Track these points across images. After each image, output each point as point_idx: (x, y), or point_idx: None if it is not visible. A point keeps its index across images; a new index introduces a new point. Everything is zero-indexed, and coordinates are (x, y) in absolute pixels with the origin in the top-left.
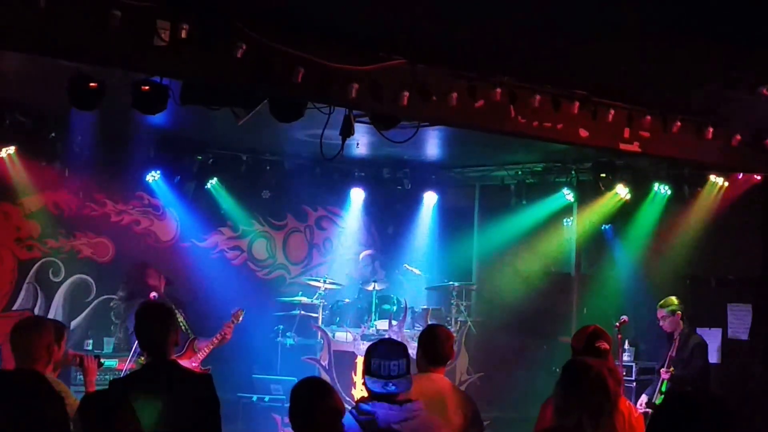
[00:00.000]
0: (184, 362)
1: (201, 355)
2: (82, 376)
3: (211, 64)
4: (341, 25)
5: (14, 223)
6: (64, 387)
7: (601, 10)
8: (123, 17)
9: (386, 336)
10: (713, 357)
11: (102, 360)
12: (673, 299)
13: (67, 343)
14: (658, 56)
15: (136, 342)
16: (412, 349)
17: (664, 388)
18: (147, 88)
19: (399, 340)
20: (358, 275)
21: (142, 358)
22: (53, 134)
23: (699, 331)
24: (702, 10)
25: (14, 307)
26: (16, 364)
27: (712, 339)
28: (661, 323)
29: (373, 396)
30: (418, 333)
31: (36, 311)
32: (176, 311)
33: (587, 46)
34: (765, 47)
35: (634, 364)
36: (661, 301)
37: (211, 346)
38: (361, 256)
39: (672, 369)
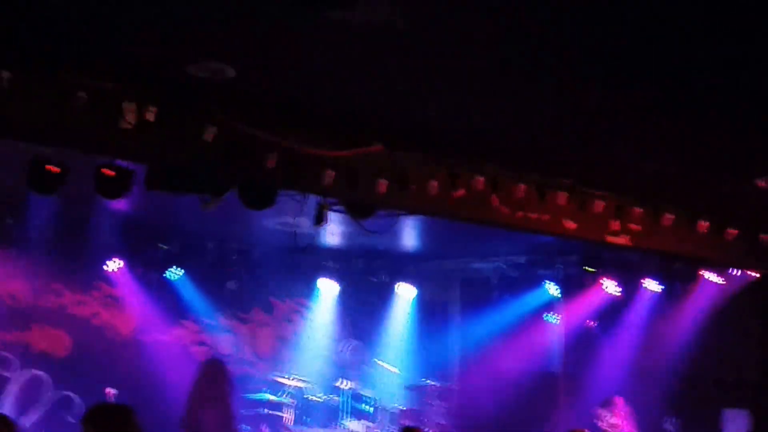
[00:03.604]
0: None
1: None
2: None
3: (180, 148)
4: (316, 109)
5: None
6: None
7: (587, 95)
8: (88, 99)
9: None
10: None
11: None
12: (614, 399)
13: None
14: (648, 145)
15: None
16: None
17: None
18: (111, 172)
19: None
20: (337, 366)
21: None
22: (9, 219)
23: None
24: (695, 98)
25: None
26: None
27: None
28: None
29: None
30: None
31: None
32: None
33: (573, 133)
34: (760, 137)
35: None
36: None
37: None
38: (341, 346)
39: None
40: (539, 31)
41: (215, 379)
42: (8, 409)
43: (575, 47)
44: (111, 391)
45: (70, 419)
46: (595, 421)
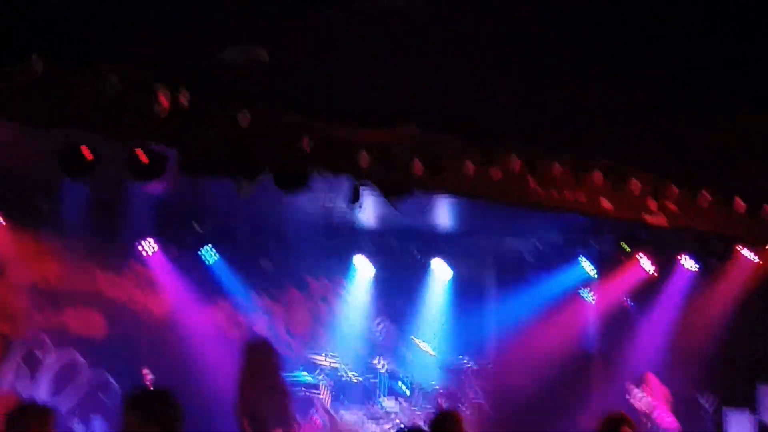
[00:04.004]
0: None
1: None
2: None
3: (213, 133)
4: (351, 92)
5: (1, 296)
6: None
7: (621, 77)
8: (121, 85)
9: (393, 415)
10: None
11: None
12: (647, 375)
13: (55, 427)
14: (684, 126)
15: None
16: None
17: None
18: (144, 156)
19: (409, 420)
20: (373, 345)
21: None
22: (43, 203)
23: (729, 412)
24: (733, 78)
25: None
26: None
27: (742, 422)
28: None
29: None
30: (429, 413)
31: (21, 390)
32: None
33: (610, 114)
34: None
35: None
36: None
37: None
38: (377, 325)
39: None
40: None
41: (270, 362)
42: (44, 391)
43: (623, 29)
44: (147, 373)
45: (106, 401)
46: (628, 398)
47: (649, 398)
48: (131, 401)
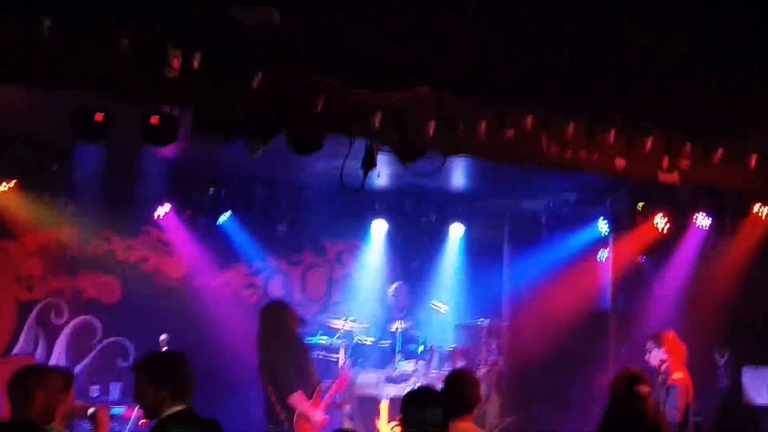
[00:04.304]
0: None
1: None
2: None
3: (225, 94)
4: (363, 52)
5: (14, 261)
6: None
7: (638, 36)
8: (131, 46)
9: (411, 377)
10: (763, 398)
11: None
12: (665, 332)
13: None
14: (698, 81)
15: None
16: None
17: None
18: (157, 119)
19: (426, 382)
20: (390, 308)
21: None
22: (56, 167)
23: (745, 369)
24: (741, 33)
25: (14, 351)
26: (12, 415)
27: (760, 378)
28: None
29: None
30: (446, 374)
31: (37, 355)
32: None
33: (623, 70)
34: None
35: None
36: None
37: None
38: (392, 288)
39: None
40: None
41: (286, 322)
42: (60, 355)
43: None
44: (163, 336)
45: (122, 364)
46: (647, 356)
47: (665, 354)
48: (139, 362)
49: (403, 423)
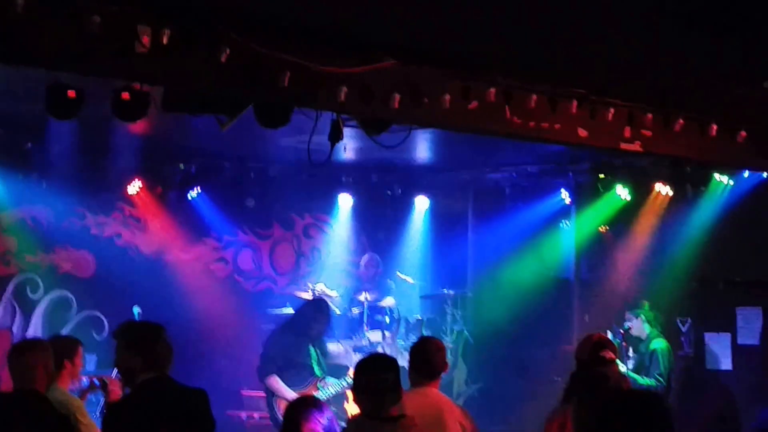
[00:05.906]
0: None
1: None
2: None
3: (194, 70)
4: (328, 27)
5: None
6: (78, 404)
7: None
8: (102, 23)
9: (379, 347)
10: (725, 364)
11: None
12: (644, 303)
13: (82, 358)
14: (658, 51)
15: None
16: (407, 361)
17: None
18: (127, 95)
19: (392, 351)
20: (359, 279)
21: None
22: (29, 145)
23: (707, 336)
24: (704, 2)
25: None
26: (14, 385)
27: (722, 344)
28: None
29: (364, 412)
30: (413, 344)
31: (14, 329)
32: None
33: (585, 42)
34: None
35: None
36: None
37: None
38: (364, 259)
39: None
40: None
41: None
42: (36, 328)
43: None
44: (138, 310)
45: (97, 338)
46: (627, 325)
47: (641, 324)
48: (117, 331)
49: (355, 390)
